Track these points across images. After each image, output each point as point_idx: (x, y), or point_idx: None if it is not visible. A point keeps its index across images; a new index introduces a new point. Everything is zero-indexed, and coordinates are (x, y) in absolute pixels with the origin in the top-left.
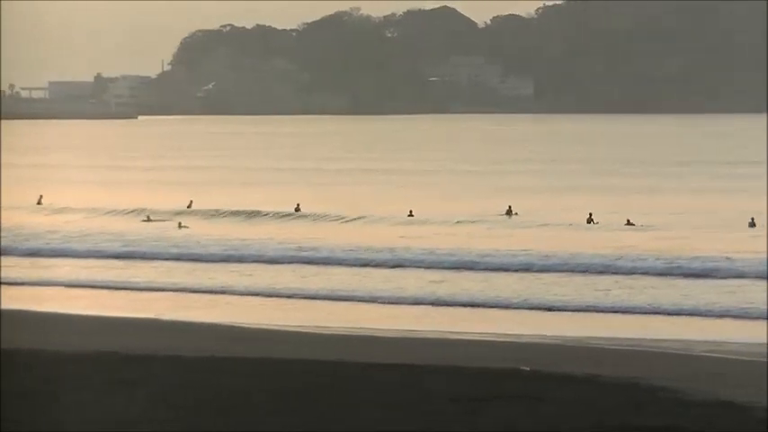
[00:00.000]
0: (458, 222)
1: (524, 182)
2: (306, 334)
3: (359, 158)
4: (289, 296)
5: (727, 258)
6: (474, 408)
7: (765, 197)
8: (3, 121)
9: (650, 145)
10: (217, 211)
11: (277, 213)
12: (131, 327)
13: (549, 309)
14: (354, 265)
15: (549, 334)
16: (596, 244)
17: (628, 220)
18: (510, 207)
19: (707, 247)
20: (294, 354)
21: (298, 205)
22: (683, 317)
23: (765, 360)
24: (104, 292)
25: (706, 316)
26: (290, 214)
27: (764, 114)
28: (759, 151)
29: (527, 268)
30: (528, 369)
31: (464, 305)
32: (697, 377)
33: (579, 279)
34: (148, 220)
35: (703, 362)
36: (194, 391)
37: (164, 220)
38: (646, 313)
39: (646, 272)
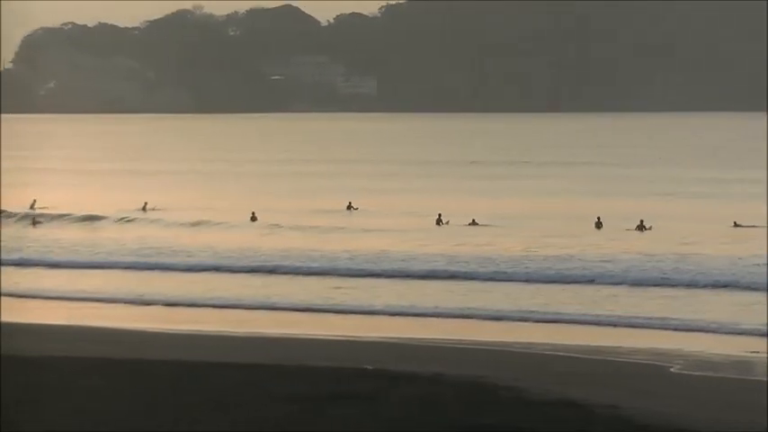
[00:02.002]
0: (303, 224)
1: (370, 183)
2: (150, 334)
3: (200, 159)
4: (128, 302)
5: (571, 257)
6: (316, 407)
7: (609, 200)
8: None
9: (499, 145)
10: (66, 215)
11: (123, 217)
12: None
13: (398, 314)
14: (203, 270)
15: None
16: (446, 245)
17: (473, 220)
18: (350, 203)
19: (553, 248)
20: (138, 354)
21: (145, 204)
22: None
23: (610, 359)
24: None
25: (551, 321)
26: (130, 219)
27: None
28: (594, 152)
29: (371, 274)
30: (371, 368)
31: (301, 310)
32: (540, 376)
33: (426, 283)
34: None
35: (546, 361)
36: (34, 390)
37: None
38: (485, 319)
39: (490, 277)
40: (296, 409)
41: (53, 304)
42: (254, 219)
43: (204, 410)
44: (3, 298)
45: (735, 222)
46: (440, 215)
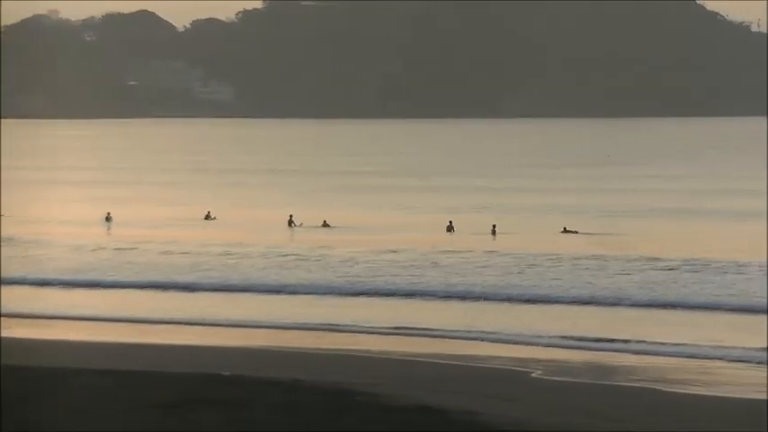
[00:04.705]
0: (159, 235)
1: (231, 191)
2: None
3: (54, 167)
4: None
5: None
6: (175, 413)
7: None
8: None
9: (355, 152)
10: None
11: None
12: None
13: (254, 326)
14: (55, 284)
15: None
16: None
17: (324, 221)
18: (209, 212)
19: (407, 254)
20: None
21: None
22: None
23: (470, 364)
24: None
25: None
26: None
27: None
28: (455, 162)
29: (224, 288)
30: (229, 374)
31: (159, 322)
32: (398, 382)
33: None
34: None
35: (404, 366)
36: None
37: None
38: (342, 332)
39: (344, 290)
40: (155, 415)
41: None
42: (108, 219)
43: (65, 416)
44: None
45: (564, 228)
46: (291, 216)
